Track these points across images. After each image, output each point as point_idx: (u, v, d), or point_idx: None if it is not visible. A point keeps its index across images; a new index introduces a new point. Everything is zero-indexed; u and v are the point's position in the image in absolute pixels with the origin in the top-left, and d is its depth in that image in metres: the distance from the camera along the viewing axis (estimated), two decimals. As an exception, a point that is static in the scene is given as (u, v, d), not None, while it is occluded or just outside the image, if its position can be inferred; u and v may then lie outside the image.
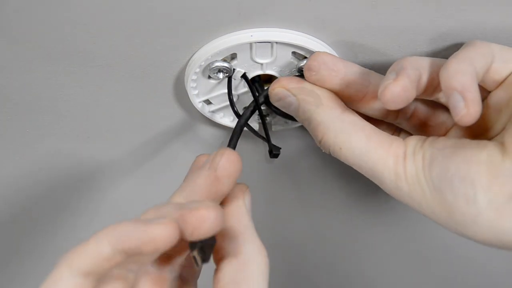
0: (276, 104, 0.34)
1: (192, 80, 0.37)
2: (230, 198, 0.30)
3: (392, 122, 0.35)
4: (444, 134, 0.34)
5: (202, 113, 0.40)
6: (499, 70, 0.29)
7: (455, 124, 0.33)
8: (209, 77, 0.37)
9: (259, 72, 0.37)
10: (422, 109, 0.34)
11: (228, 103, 0.40)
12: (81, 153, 0.47)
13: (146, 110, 0.42)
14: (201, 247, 0.26)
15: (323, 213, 0.53)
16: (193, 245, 0.26)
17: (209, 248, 0.26)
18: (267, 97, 0.35)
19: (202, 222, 0.24)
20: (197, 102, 0.39)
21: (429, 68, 0.30)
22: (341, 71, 0.32)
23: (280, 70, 0.37)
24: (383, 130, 0.32)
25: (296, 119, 0.34)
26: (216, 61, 0.36)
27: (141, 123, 0.44)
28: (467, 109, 0.26)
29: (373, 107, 0.33)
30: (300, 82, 0.33)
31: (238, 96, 0.40)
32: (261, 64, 0.36)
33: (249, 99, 0.40)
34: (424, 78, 0.30)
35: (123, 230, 0.25)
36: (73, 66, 0.37)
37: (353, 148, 0.30)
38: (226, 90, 0.38)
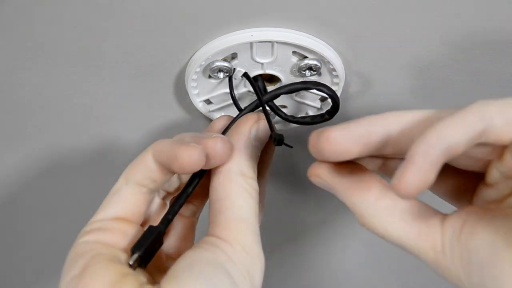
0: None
1: (192, 80, 0.37)
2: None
3: None
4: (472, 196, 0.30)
5: (203, 113, 0.40)
6: (501, 134, 0.24)
7: (477, 189, 0.30)
8: (210, 76, 0.37)
9: (260, 71, 0.37)
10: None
11: (228, 102, 0.40)
12: (81, 153, 0.47)
13: (146, 109, 0.42)
14: (142, 254, 0.28)
15: (324, 213, 0.53)
16: (135, 249, 0.28)
17: (151, 255, 0.28)
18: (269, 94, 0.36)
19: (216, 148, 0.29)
20: (198, 101, 0.39)
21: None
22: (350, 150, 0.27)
23: (281, 70, 0.37)
24: None
25: None
26: (217, 60, 0.36)
27: (142, 122, 0.44)
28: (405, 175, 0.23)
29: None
30: (332, 168, 0.29)
31: (238, 95, 0.40)
32: (262, 63, 0.36)
33: (249, 98, 0.40)
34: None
35: (162, 145, 0.29)
36: (73, 66, 0.37)
37: (391, 236, 0.28)
38: (226, 90, 0.38)
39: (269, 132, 0.34)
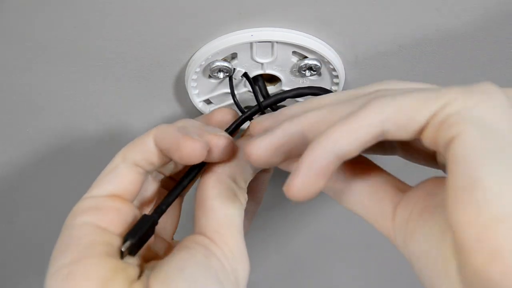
0: None
1: (192, 79, 0.37)
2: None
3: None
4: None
5: (203, 113, 0.40)
6: (397, 136, 0.23)
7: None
8: (210, 76, 0.37)
9: (260, 71, 0.37)
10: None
11: (228, 102, 0.40)
12: (80, 153, 0.47)
13: (146, 109, 0.42)
14: (135, 242, 0.28)
15: (323, 210, 0.53)
16: (129, 236, 0.28)
17: (142, 243, 0.28)
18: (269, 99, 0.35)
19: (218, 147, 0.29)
20: (198, 101, 0.39)
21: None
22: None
23: (281, 70, 0.37)
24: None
25: None
26: (217, 60, 0.36)
27: (142, 122, 0.44)
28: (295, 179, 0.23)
29: None
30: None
31: (239, 95, 0.40)
32: (262, 63, 0.36)
33: (249, 98, 0.40)
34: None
35: (165, 132, 0.29)
36: (73, 66, 0.37)
37: (358, 214, 0.28)
38: (226, 90, 0.38)
39: None
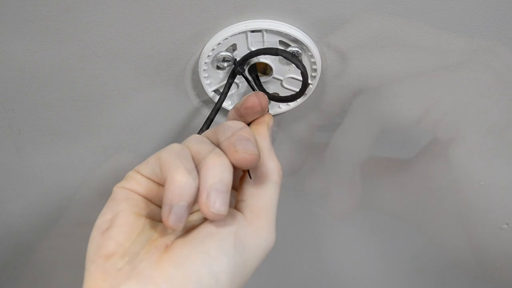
0: None
1: (204, 70, 0.45)
2: (257, 122, 0.41)
3: None
4: None
5: (215, 102, 0.47)
6: None
7: None
8: (218, 67, 0.46)
9: (255, 60, 0.45)
10: None
11: (233, 91, 0.48)
12: (100, 146, 0.51)
13: (164, 101, 0.47)
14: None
15: (320, 196, 0.57)
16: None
17: None
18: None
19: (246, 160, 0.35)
20: (210, 91, 0.47)
21: None
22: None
23: (273, 59, 0.45)
24: None
25: None
26: (221, 51, 0.44)
27: (159, 114, 0.49)
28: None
29: None
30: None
31: (238, 84, 0.48)
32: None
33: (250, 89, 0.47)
34: None
35: (166, 160, 0.35)
36: (97, 62, 0.42)
37: None
38: (231, 80, 0.46)
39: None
